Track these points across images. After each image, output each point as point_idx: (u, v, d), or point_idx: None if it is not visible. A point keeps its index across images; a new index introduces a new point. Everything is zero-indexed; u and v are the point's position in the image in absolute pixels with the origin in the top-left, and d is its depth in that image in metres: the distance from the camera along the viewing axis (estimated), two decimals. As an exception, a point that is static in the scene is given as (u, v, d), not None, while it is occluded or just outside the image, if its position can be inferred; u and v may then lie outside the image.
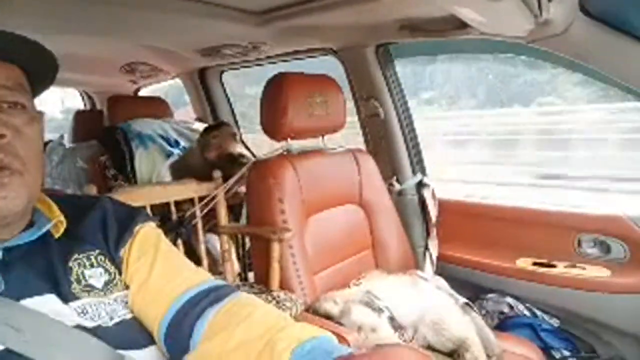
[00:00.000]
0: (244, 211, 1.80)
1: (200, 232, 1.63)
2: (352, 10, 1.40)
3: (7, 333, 0.56)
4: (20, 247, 0.62)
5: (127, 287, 0.69)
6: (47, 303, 0.61)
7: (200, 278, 0.72)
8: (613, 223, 1.57)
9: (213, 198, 1.64)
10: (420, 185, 1.98)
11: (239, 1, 1.48)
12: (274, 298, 1.38)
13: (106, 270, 0.68)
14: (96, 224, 0.71)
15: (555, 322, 1.68)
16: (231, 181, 1.71)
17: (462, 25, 1.35)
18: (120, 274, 0.70)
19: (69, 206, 0.71)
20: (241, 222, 1.96)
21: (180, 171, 2.14)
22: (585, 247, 1.62)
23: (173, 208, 1.58)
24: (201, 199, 1.64)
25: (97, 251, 0.69)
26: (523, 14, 1.11)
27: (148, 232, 0.75)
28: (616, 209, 1.59)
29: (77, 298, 0.63)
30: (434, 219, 1.94)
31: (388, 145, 1.97)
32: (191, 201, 1.63)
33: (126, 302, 0.68)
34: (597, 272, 1.57)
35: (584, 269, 1.59)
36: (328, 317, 1.30)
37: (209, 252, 1.86)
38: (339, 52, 1.94)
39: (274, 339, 0.60)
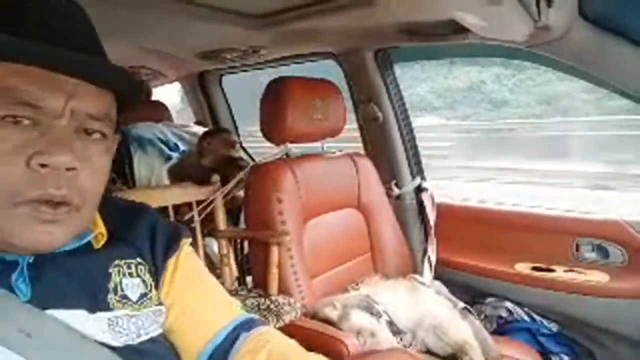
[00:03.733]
0: (242, 215, 1.80)
1: (199, 236, 1.62)
2: (351, 14, 1.40)
3: (27, 343, 0.53)
4: (55, 254, 0.59)
5: (160, 303, 0.68)
6: (75, 318, 0.58)
7: (238, 309, 0.75)
8: (611, 228, 1.57)
9: (211, 202, 1.64)
10: (419, 189, 1.98)
11: (238, 5, 1.47)
12: (272, 302, 1.38)
13: (143, 282, 0.66)
14: (145, 232, 0.70)
15: (554, 327, 1.68)
16: (230, 185, 1.70)
17: (462, 29, 1.35)
18: (156, 287, 0.68)
19: (114, 209, 0.69)
20: (240, 226, 1.96)
21: (178, 175, 2.14)
22: (583, 252, 1.62)
23: (171, 212, 1.57)
24: (199, 202, 1.63)
25: (138, 259, 0.67)
26: (522, 19, 1.11)
27: (190, 251, 0.76)
28: (615, 213, 1.59)
29: (110, 309, 0.61)
30: (432, 223, 1.94)
31: (387, 149, 1.97)
32: (189, 205, 1.63)
33: (156, 317, 0.66)
34: (595, 277, 1.56)
35: (582, 273, 1.59)
36: (327, 321, 1.30)
37: (207, 256, 1.86)
38: (338, 56, 1.94)
39: None
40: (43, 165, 0.53)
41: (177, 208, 1.62)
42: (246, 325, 0.71)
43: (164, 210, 1.55)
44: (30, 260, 0.57)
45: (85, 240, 0.62)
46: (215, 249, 1.81)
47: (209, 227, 1.73)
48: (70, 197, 0.55)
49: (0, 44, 0.51)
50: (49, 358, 0.55)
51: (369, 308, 1.33)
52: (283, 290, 1.43)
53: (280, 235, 1.41)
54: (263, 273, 1.45)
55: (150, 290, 0.67)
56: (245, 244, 1.81)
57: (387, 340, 1.26)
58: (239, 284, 1.78)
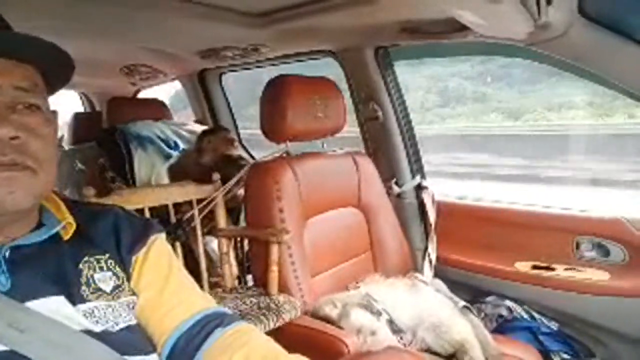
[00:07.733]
0: (242, 214, 1.80)
1: (199, 234, 1.63)
2: (351, 12, 1.40)
3: (12, 334, 0.55)
4: (28, 246, 0.62)
5: (133, 293, 0.69)
6: (55, 305, 0.60)
7: (209, 303, 0.75)
8: (612, 226, 1.56)
9: (212, 200, 1.64)
10: (419, 188, 1.98)
11: (238, 3, 1.47)
12: (272, 301, 1.38)
13: (115, 275, 0.68)
14: (108, 229, 0.71)
15: (554, 325, 1.68)
16: (230, 183, 1.70)
17: (462, 27, 1.35)
18: (128, 280, 0.70)
19: (79, 209, 0.71)
20: (240, 224, 1.96)
21: (177, 174, 2.14)
22: (583, 250, 1.62)
23: (172, 210, 1.57)
24: (200, 201, 1.64)
25: (107, 255, 0.69)
26: (522, 17, 1.11)
27: (162, 245, 0.76)
28: (615, 212, 1.59)
29: (85, 301, 0.63)
30: (433, 221, 1.93)
31: (387, 147, 1.97)
32: (190, 203, 1.63)
33: (131, 308, 0.68)
34: (595, 275, 1.56)
35: (582, 272, 1.59)
36: (327, 320, 1.30)
37: (207, 255, 1.86)
38: (338, 54, 1.94)
39: None
40: None
41: (177, 206, 1.62)
42: (219, 319, 0.70)
43: (164, 208, 1.56)
44: (7, 254, 0.59)
45: (54, 230, 0.64)
46: (216, 247, 1.81)
47: (209, 226, 1.73)
48: (20, 160, 0.57)
49: None
50: (43, 353, 0.56)
51: (369, 307, 1.33)
52: (283, 288, 1.43)
53: (280, 233, 1.41)
54: (263, 271, 1.45)
55: (123, 282, 0.69)
56: (246, 242, 1.81)
57: (387, 339, 1.26)
58: (239, 283, 1.78)
